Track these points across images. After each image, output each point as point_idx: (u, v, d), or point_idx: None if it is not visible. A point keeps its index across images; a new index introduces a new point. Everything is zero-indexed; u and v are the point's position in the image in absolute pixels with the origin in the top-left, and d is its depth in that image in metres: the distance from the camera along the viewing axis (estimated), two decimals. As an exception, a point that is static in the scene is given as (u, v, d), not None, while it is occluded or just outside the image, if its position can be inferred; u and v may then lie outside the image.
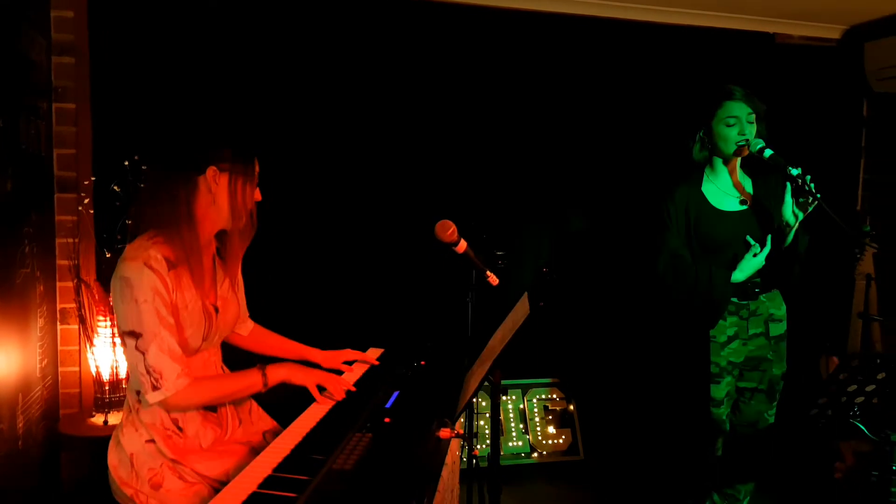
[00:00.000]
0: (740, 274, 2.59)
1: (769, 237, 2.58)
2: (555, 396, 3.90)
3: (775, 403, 2.81)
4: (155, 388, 1.74)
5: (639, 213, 3.36)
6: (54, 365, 3.08)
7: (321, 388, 2.02)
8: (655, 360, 3.43)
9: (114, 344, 2.95)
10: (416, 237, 3.56)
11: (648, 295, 3.09)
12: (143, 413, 1.86)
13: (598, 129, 3.83)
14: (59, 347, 3.12)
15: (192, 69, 3.22)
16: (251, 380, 1.91)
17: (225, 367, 2.09)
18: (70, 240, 3.08)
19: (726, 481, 2.86)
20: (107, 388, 2.98)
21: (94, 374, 2.98)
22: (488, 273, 1.94)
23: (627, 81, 3.83)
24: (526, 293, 2.11)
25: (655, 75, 3.82)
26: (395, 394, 2.03)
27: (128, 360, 1.79)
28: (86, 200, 2.97)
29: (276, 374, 1.94)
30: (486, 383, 1.85)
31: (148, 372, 1.73)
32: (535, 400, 3.86)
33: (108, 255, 2.95)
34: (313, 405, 2.00)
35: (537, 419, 3.82)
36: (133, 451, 1.84)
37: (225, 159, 1.85)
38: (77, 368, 3.16)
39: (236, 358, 2.19)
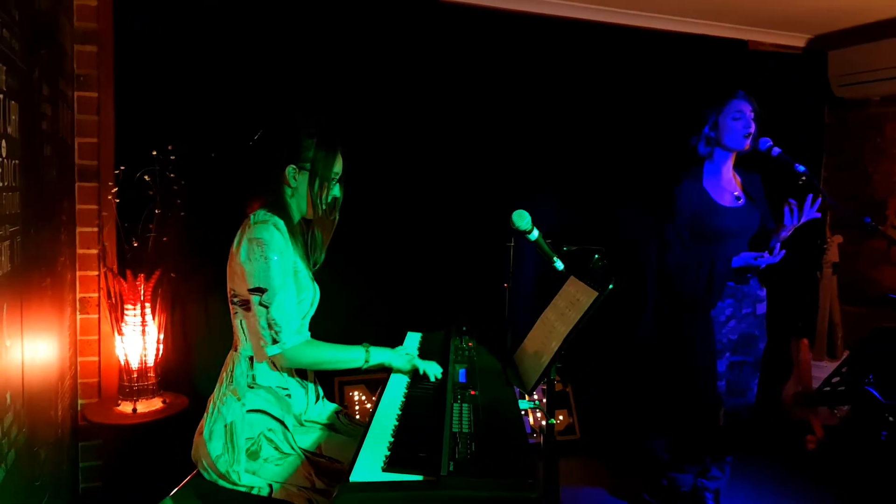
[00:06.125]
0: (738, 261, 2.86)
1: (776, 247, 2.81)
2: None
3: (758, 374, 3.10)
4: (274, 342, 1.88)
5: (641, 203, 3.59)
6: (76, 354, 3.08)
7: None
8: (652, 341, 3.67)
9: (143, 332, 2.97)
10: (441, 230, 3.72)
11: (648, 281, 3.31)
12: (256, 378, 1.97)
13: (595, 127, 4.03)
14: (79, 337, 3.11)
15: (227, 60, 3.26)
16: (355, 354, 2.05)
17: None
18: (91, 229, 3.08)
19: (725, 450, 3.12)
20: (135, 376, 2.99)
21: (124, 363, 2.99)
22: (555, 258, 2.10)
23: (632, 84, 4.06)
24: (572, 276, 2.28)
25: (647, 78, 4.06)
26: (463, 371, 2.17)
27: (248, 319, 1.93)
28: (113, 190, 2.98)
29: (378, 356, 2.08)
30: (558, 364, 2.01)
31: (269, 325, 1.88)
32: (530, 383, 4.04)
33: (135, 244, 2.96)
34: (388, 386, 2.11)
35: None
36: (233, 419, 1.94)
37: (305, 158, 2.00)
38: (96, 358, 3.16)
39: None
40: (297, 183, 2.02)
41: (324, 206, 2.05)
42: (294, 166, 2.00)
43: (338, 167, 2.06)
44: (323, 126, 2.04)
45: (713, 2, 3.77)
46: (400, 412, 1.87)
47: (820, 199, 2.67)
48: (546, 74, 3.91)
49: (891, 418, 2.37)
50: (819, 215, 2.73)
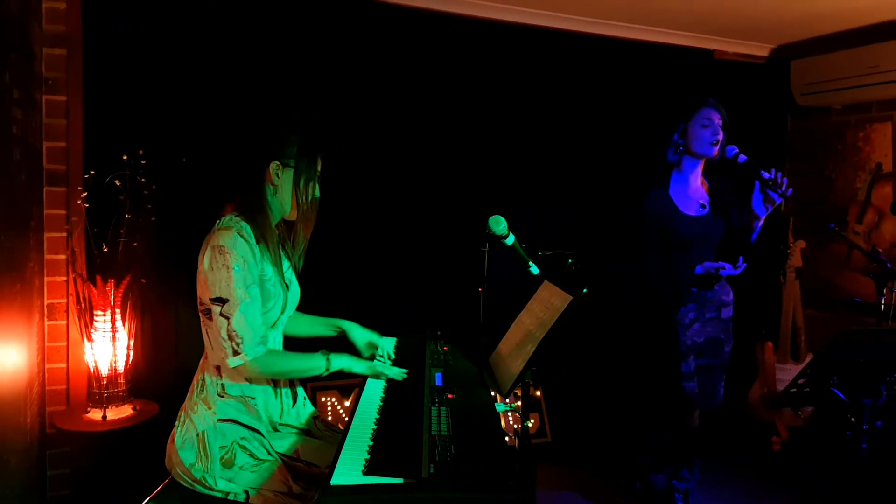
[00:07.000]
0: (700, 270, 2.93)
1: (740, 258, 2.88)
2: (520, 383, 4.13)
3: (724, 377, 3.17)
4: (235, 353, 1.86)
5: (610, 210, 3.64)
6: (44, 361, 3.02)
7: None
8: (618, 345, 3.73)
9: (113, 338, 2.93)
10: (415, 235, 3.73)
11: (618, 287, 3.37)
12: (225, 388, 1.96)
13: (566, 135, 4.09)
14: (46, 343, 3.06)
15: (198, 64, 3.23)
16: (316, 362, 2.02)
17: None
18: (60, 234, 3.03)
19: (695, 452, 3.18)
20: (105, 382, 2.95)
21: (93, 370, 2.94)
22: (530, 263, 2.13)
23: (600, 92, 4.13)
24: (546, 280, 2.31)
25: (615, 86, 4.13)
26: (439, 375, 2.18)
27: (211, 329, 1.89)
28: (83, 195, 2.93)
29: (338, 361, 2.07)
30: (533, 367, 2.03)
31: (230, 337, 1.85)
32: (502, 387, 4.07)
33: (105, 250, 2.92)
34: (365, 390, 2.12)
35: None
36: (205, 428, 1.93)
37: (289, 155, 1.99)
38: (64, 365, 3.10)
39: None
40: (279, 180, 1.99)
41: (308, 204, 2.03)
42: (277, 162, 1.98)
43: (318, 165, 2.06)
44: (307, 123, 2.04)
45: (680, 11, 3.85)
46: (378, 416, 1.88)
47: (781, 188, 2.76)
48: (517, 83, 3.95)
49: (853, 419, 2.45)
50: (790, 191, 2.79)
